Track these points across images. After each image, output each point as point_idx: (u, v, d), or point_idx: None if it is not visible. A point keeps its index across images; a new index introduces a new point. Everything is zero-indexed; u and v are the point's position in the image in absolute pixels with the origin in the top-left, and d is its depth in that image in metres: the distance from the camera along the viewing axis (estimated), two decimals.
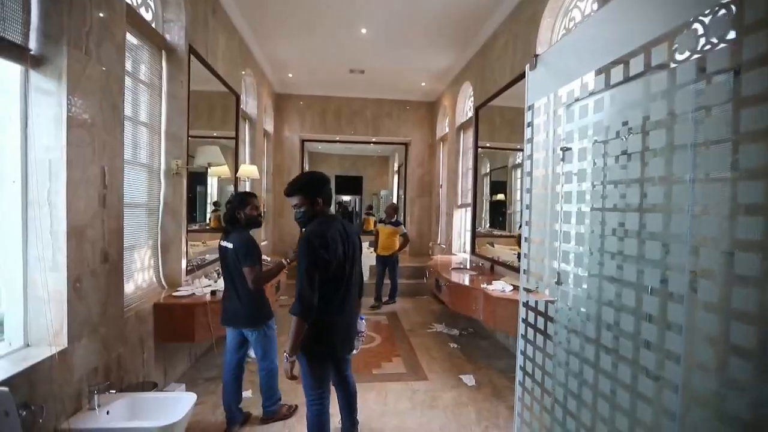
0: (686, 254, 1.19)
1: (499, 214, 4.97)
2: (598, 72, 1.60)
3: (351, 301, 1.89)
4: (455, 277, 3.92)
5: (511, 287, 3.21)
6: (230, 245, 2.22)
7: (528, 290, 3.16)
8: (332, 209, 1.96)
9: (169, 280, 2.98)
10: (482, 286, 3.31)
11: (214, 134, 4.53)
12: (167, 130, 2.97)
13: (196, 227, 4.15)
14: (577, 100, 2.00)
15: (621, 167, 1.55)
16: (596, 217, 1.73)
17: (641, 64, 1.30)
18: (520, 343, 1.86)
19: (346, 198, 14.83)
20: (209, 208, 4.55)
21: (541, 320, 1.77)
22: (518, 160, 4.80)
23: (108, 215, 2.08)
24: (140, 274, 2.71)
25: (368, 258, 6.38)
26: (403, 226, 5.58)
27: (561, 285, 2.20)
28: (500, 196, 5.00)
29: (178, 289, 2.89)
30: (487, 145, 5.03)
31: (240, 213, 2.29)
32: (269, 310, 2.36)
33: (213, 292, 2.84)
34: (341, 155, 13.60)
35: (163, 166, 2.97)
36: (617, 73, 1.39)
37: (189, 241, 4.12)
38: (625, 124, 1.60)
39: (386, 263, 5.43)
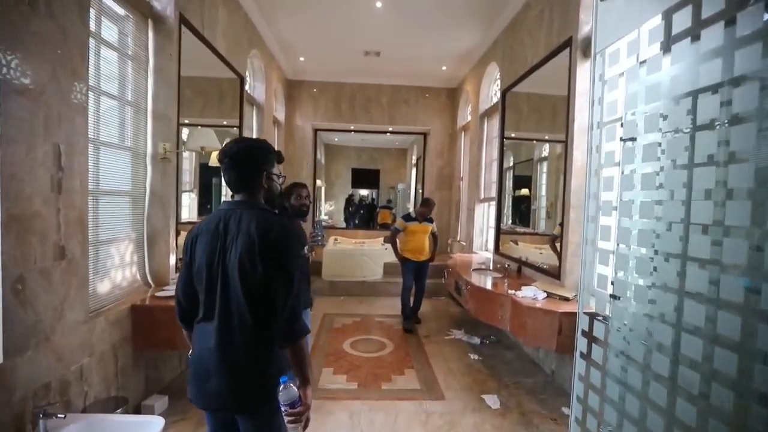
0: None
1: (523, 210, 4.54)
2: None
3: (209, 320, 1.21)
4: (477, 279, 3.48)
5: (545, 294, 2.75)
6: None
7: (563, 301, 2.68)
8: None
9: (156, 278, 2.68)
10: (510, 292, 2.86)
11: (224, 123, 4.26)
12: (154, 108, 2.64)
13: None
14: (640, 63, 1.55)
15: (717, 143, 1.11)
16: (672, 209, 1.29)
17: None
18: (577, 385, 1.41)
19: (363, 192, 14.51)
20: (224, 199, 4.35)
21: (615, 360, 1.32)
22: (544, 153, 4.33)
23: (66, 203, 1.75)
24: (120, 271, 2.40)
25: (382, 255, 6.01)
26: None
27: (618, 299, 1.74)
28: (524, 191, 4.56)
29: (164, 288, 2.58)
30: (512, 135, 4.55)
31: (286, 203, 2.35)
32: (306, 296, 2.28)
33: None
34: (358, 147, 13.27)
35: (149, 150, 2.65)
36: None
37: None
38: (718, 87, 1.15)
39: (420, 270, 4.29)
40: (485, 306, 3.07)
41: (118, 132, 2.40)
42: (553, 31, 3.25)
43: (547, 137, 4.29)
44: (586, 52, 2.83)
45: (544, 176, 4.26)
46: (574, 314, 2.52)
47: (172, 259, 2.73)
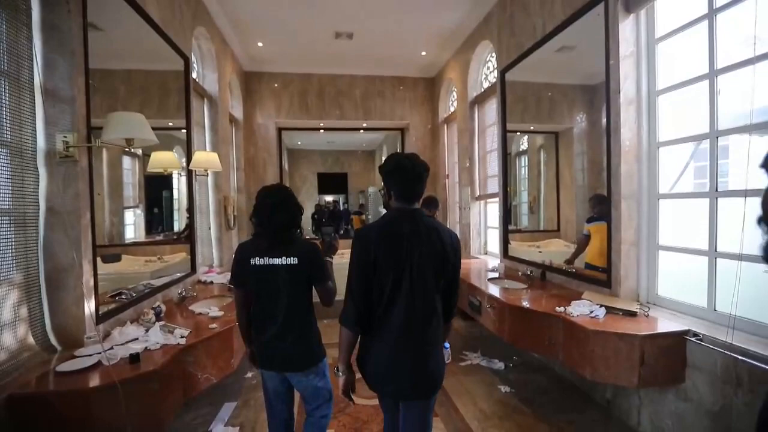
0: None
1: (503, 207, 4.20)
2: None
3: (410, 322, 1.38)
4: (502, 293, 2.84)
5: (603, 309, 2.16)
6: (294, 261, 1.66)
7: (628, 316, 2.06)
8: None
9: (64, 338, 1.78)
10: (558, 309, 2.24)
11: (170, 124, 3.40)
12: (46, 85, 1.76)
13: (160, 237, 3.23)
14: None
15: None
16: None
17: None
18: None
19: (328, 198, 13.68)
20: (176, 215, 3.50)
21: None
22: (523, 147, 4.07)
23: None
24: None
25: None
26: None
27: None
28: None
29: (76, 353, 1.69)
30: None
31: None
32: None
33: (134, 357, 1.65)
34: (323, 151, 12.49)
35: (41, 145, 1.76)
36: None
37: (144, 255, 2.97)
38: None
39: None
40: (524, 329, 2.42)
41: None
42: None
43: (532, 128, 3.98)
44: (629, 4, 2.29)
45: (524, 170, 4.04)
46: (658, 337, 1.94)
47: (89, 306, 1.84)
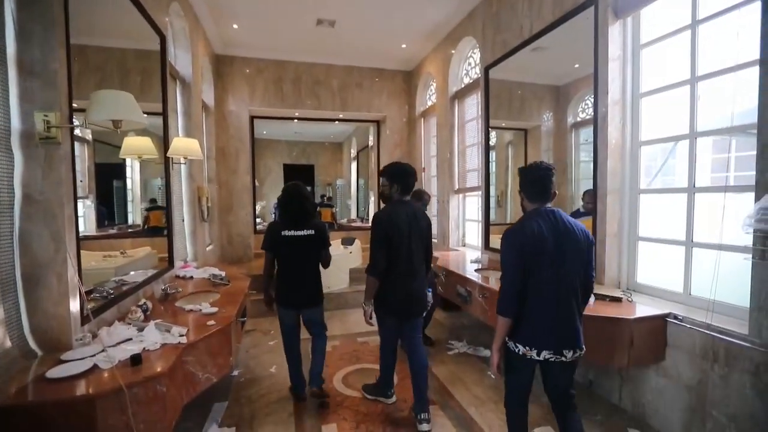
0: None
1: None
2: None
3: (410, 270, 2.24)
4: (491, 282, 2.94)
5: (593, 296, 2.30)
6: (312, 232, 2.44)
7: (614, 302, 2.22)
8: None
9: (45, 341, 1.61)
10: None
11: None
12: (20, 57, 1.55)
13: (114, 231, 2.93)
14: None
15: None
16: None
17: None
18: None
19: None
20: (131, 207, 3.22)
21: None
22: (491, 142, 4.24)
23: None
24: None
25: (346, 259, 5.23)
26: None
27: None
28: None
29: (63, 358, 1.53)
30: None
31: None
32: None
33: (136, 358, 1.52)
34: (290, 142, 12.15)
35: (16, 126, 1.55)
36: None
37: (103, 251, 2.70)
38: None
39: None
40: None
41: None
42: None
43: (503, 124, 4.13)
44: (617, 10, 2.43)
45: (493, 165, 4.22)
46: (645, 320, 2.12)
47: (74, 305, 1.67)
